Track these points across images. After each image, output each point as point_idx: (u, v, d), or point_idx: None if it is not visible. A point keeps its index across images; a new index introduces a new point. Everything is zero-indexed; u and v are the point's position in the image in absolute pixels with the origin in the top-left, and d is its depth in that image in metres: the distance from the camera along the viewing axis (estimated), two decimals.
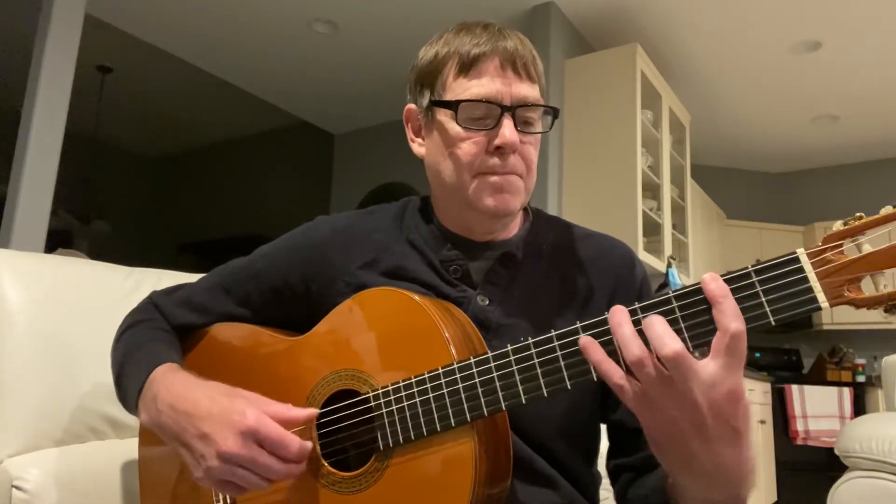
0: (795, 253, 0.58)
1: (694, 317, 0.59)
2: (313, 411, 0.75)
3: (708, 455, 0.58)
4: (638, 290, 0.90)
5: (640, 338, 0.58)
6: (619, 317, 0.60)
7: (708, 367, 0.56)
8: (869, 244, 0.57)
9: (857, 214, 0.58)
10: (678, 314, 0.60)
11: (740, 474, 0.60)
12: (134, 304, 0.97)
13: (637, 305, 0.61)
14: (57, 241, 3.94)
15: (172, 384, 0.78)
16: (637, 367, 0.57)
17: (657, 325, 0.57)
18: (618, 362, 0.60)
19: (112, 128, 5.68)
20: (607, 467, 0.88)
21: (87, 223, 5.14)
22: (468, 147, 0.81)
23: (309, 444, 0.72)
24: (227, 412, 0.71)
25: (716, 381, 0.56)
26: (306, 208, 5.14)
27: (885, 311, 0.57)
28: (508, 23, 3.77)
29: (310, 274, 0.89)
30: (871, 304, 0.57)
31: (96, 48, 4.28)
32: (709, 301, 0.58)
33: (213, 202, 6.17)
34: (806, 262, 0.58)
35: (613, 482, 0.87)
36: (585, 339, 0.61)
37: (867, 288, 0.57)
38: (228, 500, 0.83)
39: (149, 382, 0.81)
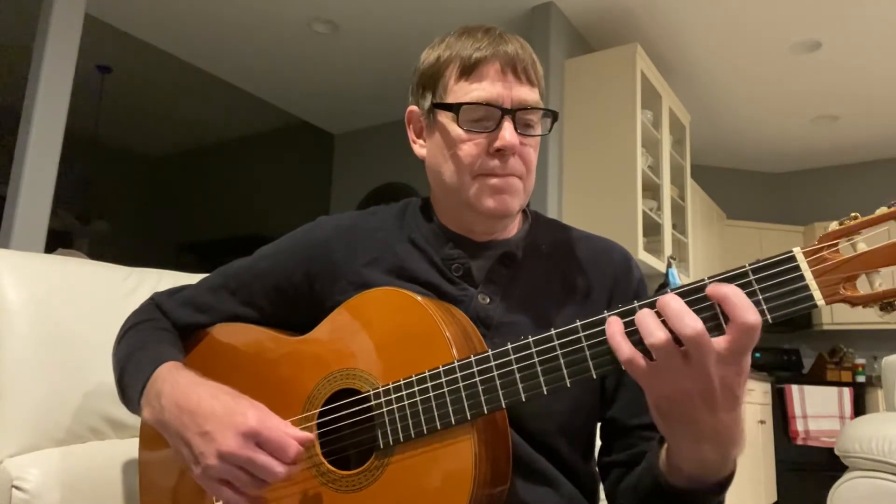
0: (791, 252, 0.59)
1: (710, 308, 0.59)
2: (310, 435, 0.74)
3: (710, 421, 0.61)
4: (635, 291, 0.90)
5: (658, 320, 0.59)
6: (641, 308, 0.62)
7: (722, 345, 0.58)
8: (864, 243, 0.58)
9: (853, 214, 0.59)
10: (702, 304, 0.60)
11: (735, 435, 0.64)
12: (134, 305, 0.97)
13: (656, 298, 0.61)
14: (57, 241, 3.94)
15: (177, 382, 0.79)
16: (658, 349, 0.59)
17: (674, 304, 0.59)
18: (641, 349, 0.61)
19: (112, 128, 5.68)
20: (598, 464, 0.89)
21: (87, 223, 5.14)
22: (469, 149, 0.82)
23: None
24: (230, 412, 0.72)
25: (729, 360, 0.58)
26: (306, 208, 5.15)
27: (880, 308, 0.58)
28: (508, 23, 3.75)
29: (313, 273, 0.89)
30: (866, 301, 0.58)
31: (96, 48, 4.29)
32: (719, 300, 0.58)
33: (213, 202, 6.17)
34: (802, 261, 0.58)
35: (603, 479, 0.88)
36: (612, 318, 0.63)
37: (862, 286, 0.58)
38: None
39: (152, 380, 0.81)
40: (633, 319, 0.61)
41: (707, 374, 0.58)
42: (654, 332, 0.59)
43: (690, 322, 0.57)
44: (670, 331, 0.58)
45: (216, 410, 0.72)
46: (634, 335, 0.61)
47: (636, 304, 0.62)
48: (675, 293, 0.60)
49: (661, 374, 0.60)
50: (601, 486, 0.90)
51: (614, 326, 0.62)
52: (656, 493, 0.71)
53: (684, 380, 0.59)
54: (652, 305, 0.61)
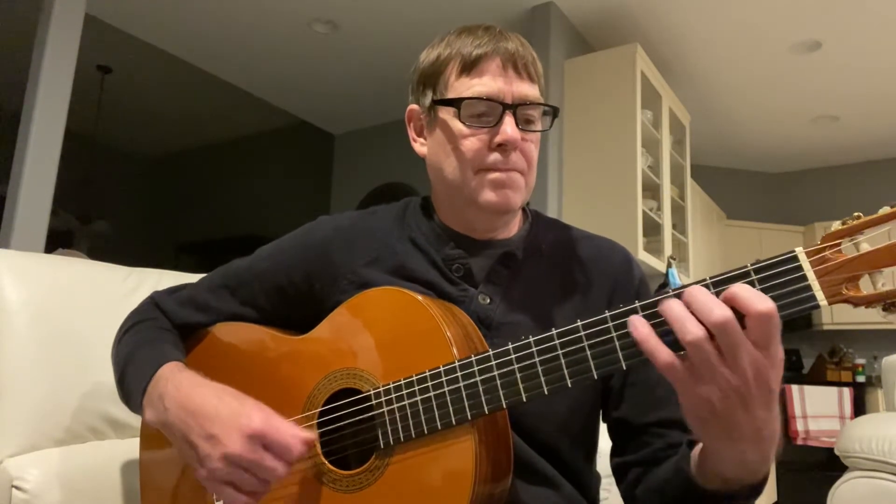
0: (794, 251, 0.58)
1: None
2: (313, 435, 0.74)
3: (748, 421, 0.58)
4: (636, 290, 0.90)
5: (692, 315, 0.57)
6: (667, 301, 0.59)
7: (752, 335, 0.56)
8: (867, 243, 0.57)
9: (856, 214, 0.58)
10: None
11: (772, 433, 0.61)
12: (134, 304, 0.97)
13: (676, 291, 0.59)
14: (57, 241, 3.94)
15: (180, 383, 0.78)
16: (694, 345, 0.56)
17: (701, 295, 0.57)
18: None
19: (112, 128, 5.68)
20: (611, 466, 0.88)
21: (87, 223, 5.14)
22: (470, 144, 0.82)
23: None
24: (236, 414, 0.71)
25: (757, 352, 0.56)
26: (306, 208, 5.14)
27: (883, 309, 0.57)
28: (508, 23, 3.75)
29: (313, 273, 0.89)
30: (869, 302, 0.57)
31: (96, 48, 4.28)
32: (728, 301, 0.57)
33: (213, 202, 6.17)
34: (804, 261, 0.58)
35: (619, 481, 0.86)
36: (635, 317, 0.60)
37: (865, 287, 0.57)
38: None
39: (154, 381, 0.81)
40: (655, 312, 0.59)
41: (741, 368, 0.56)
42: (691, 328, 0.56)
43: (719, 311, 0.55)
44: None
45: (221, 412, 0.72)
46: (661, 326, 0.59)
47: (656, 298, 0.60)
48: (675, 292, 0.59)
49: (698, 375, 0.57)
50: (601, 487, 0.90)
51: (643, 329, 0.59)
52: (688, 498, 0.70)
53: (721, 377, 0.56)
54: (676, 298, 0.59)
